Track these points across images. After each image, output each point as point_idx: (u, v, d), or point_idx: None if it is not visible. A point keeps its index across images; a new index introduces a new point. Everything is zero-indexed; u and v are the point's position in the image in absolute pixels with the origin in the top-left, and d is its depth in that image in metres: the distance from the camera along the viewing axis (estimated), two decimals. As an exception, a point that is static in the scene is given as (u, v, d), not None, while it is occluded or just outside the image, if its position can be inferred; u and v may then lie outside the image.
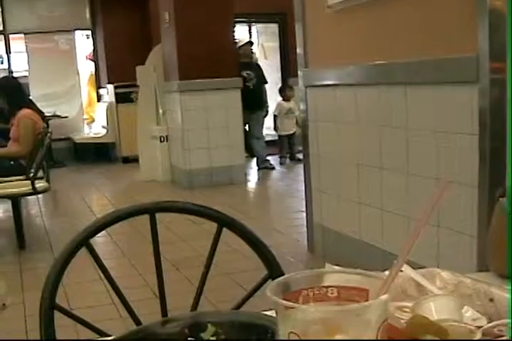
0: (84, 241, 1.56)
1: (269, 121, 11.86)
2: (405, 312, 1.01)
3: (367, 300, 0.74)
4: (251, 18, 12.87)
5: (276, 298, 0.70)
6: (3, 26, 12.35)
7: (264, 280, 1.63)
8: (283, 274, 1.61)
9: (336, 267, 0.99)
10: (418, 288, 1.09)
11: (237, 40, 9.91)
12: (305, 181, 5.27)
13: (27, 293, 4.49)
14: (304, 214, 5.44)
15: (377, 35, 4.11)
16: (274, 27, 13.23)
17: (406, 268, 1.10)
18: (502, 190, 1.34)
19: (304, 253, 5.25)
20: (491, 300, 1.05)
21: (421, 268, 1.17)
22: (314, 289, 0.77)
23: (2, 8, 12.26)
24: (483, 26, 3.12)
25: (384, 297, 0.69)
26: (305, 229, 5.37)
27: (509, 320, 0.98)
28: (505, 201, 1.30)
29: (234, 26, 8.84)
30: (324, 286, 0.77)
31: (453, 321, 0.92)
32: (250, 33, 13.64)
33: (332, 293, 0.77)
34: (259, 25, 13.74)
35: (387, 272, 1.10)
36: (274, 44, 13.40)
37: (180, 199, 1.78)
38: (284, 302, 0.70)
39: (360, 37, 4.31)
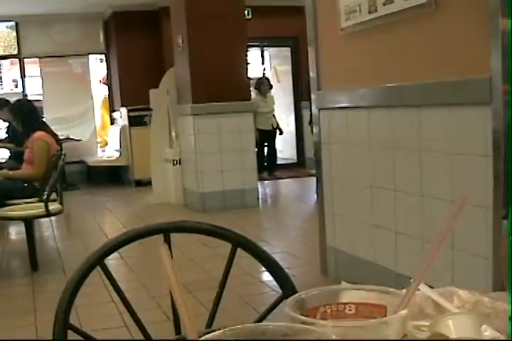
0: (99, 260, 1.56)
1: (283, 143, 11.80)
2: (423, 330, 1.00)
3: (385, 317, 0.73)
4: (263, 42, 12.95)
5: (295, 313, 0.70)
6: (18, 50, 12.48)
7: (279, 301, 1.62)
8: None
9: (353, 285, 0.98)
10: (436, 307, 1.08)
11: None
12: (318, 204, 5.26)
13: (39, 315, 4.48)
14: (317, 237, 5.42)
15: (389, 57, 4.12)
16: (286, 50, 13.31)
17: (423, 287, 1.09)
18: (505, 212, 1.34)
19: (317, 276, 5.22)
20: (511, 318, 1.04)
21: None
22: (332, 306, 0.76)
23: (17, 33, 12.39)
24: (496, 48, 3.12)
25: (403, 312, 0.69)
26: (318, 251, 5.34)
27: (509, 320, 0.98)
28: (507, 223, 1.29)
29: (247, 50, 8.88)
30: (342, 303, 0.77)
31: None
32: (263, 56, 13.71)
33: (350, 310, 0.76)
34: (272, 49, 13.82)
35: (404, 290, 1.09)
36: (286, 67, 13.47)
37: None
38: (303, 318, 0.69)
39: (373, 59, 4.32)
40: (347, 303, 0.76)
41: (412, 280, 0.85)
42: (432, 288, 1.13)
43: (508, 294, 1.13)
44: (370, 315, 0.75)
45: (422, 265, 0.77)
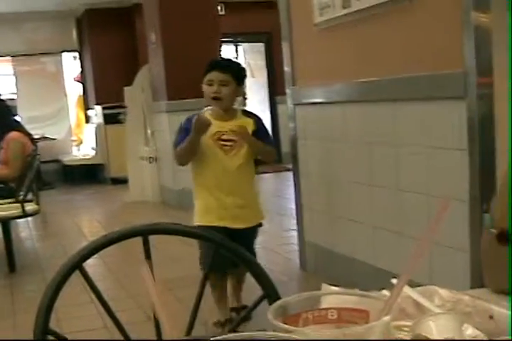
0: (77, 264, 1.55)
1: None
2: (404, 331, 1.00)
3: (367, 322, 0.73)
4: (237, 37, 12.93)
5: (277, 321, 0.70)
6: (-10, 49, 12.36)
7: (259, 301, 1.62)
8: (278, 294, 1.61)
9: (334, 287, 0.98)
10: (417, 307, 1.08)
11: None
12: (296, 199, 5.26)
13: (18, 316, 4.45)
14: (294, 233, 5.42)
15: (364, 52, 4.13)
16: (260, 46, 13.29)
17: (404, 286, 1.09)
18: (486, 206, 1.34)
19: (296, 271, 5.22)
20: (491, 317, 1.05)
21: (414, 284, 1.15)
22: (314, 312, 0.76)
23: (-11, 31, 12.28)
24: (469, 42, 3.14)
25: (386, 318, 0.69)
26: (296, 247, 5.34)
27: (509, 320, 0.98)
28: (487, 216, 1.30)
29: (221, 46, 8.86)
30: (324, 308, 0.76)
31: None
32: (237, 51, 13.69)
33: (332, 315, 0.76)
34: (246, 44, 13.80)
35: (384, 291, 1.09)
36: (261, 62, 13.45)
37: (172, 219, 1.77)
38: (285, 326, 0.69)
39: (347, 54, 4.32)
40: (329, 309, 0.76)
41: (394, 281, 0.85)
42: (411, 286, 1.13)
43: (509, 298, 1.15)
44: (352, 320, 0.75)
45: (403, 270, 0.78)
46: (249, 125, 3.77)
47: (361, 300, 0.77)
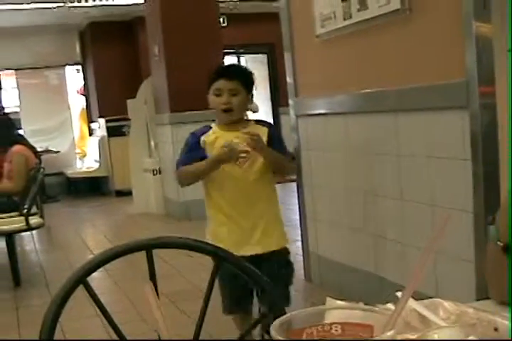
0: (81, 279, 1.55)
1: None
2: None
3: (371, 337, 0.73)
4: (239, 49, 12.95)
5: (281, 337, 0.69)
6: (-6, 63, 12.41)
7: (263, 316, 1.62)
8: (282, 308, 1.61)
9: (338, 301, 0.98)
10: (421, 320, 1.08)
11: None
12: (299, 210, 5.26)
13: (23, 331, 4.45)
14: (299, 243, 5.41)
15: (366, 63, 4.13)
16: (263, 57, 13.31)
17: (408, 300, 1.09)
18: (491, 218, 1.33)
19: (301, 282, 5.21)
20: (496, 329, 1.04)
21: (420, 295, 1.15)
22: (318, 327, 0.76)
23: (-8, 45, 12.33)
24: (471, 51, 3.14)
25: (390, 333, 0.68)
26: (301, 258, 5.33)
27: (509, 321, 0.98)
28: (493, 228, 1.30)
29: (223, 58, 8.87)
30: (328, 323, 0.76)
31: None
32: (239, 63, 13.70)
33: (336, 330, 0.76)
34: (248, 55, 13.82)
35: (389, 305, 1.09)
36: (263, 73, 13.45)
37: (176, 232, 1.77)
38: (289, 341, 0.69)
39: (349, 65, 4.33)
40: (332, 323, 0.76)
41: (399, 294, 0.85)
42: (416, 299, 1.13)
43: (509, 307, 1.14)
44: (357, 335, 0.75)
45: (407, 285, 0.77)
46: (264, 134, 3.26)
47: (366, 315, 0.77)
